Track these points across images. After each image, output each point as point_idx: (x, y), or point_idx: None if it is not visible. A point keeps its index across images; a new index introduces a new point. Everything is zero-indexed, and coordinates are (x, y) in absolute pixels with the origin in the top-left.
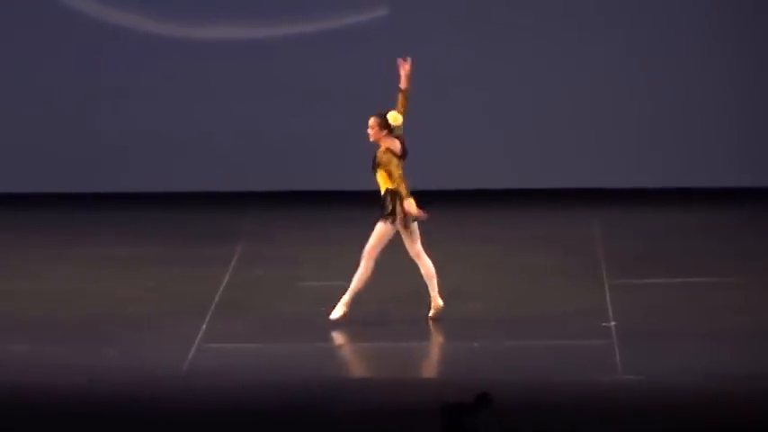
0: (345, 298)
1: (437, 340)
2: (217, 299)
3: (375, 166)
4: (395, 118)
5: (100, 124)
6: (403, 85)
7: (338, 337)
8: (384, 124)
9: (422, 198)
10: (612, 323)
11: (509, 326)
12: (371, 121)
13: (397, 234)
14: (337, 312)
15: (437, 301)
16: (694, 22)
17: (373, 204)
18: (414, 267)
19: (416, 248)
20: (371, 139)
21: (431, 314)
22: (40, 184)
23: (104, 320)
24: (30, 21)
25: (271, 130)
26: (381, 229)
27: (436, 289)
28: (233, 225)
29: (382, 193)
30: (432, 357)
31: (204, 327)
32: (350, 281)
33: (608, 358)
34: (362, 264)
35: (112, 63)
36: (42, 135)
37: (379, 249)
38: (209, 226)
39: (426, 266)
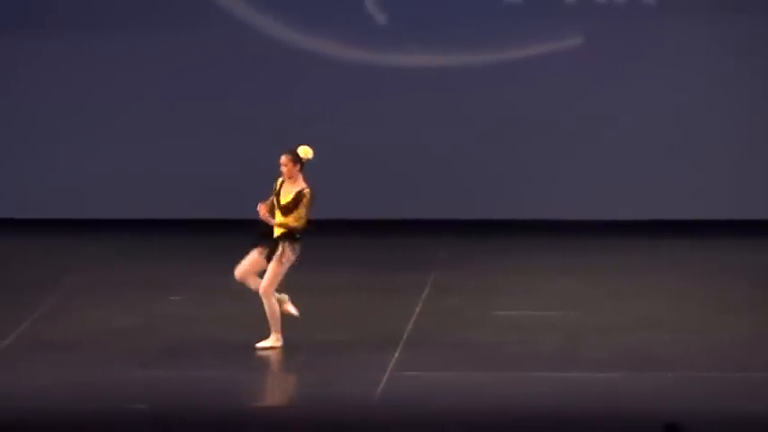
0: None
1: (627, 371)
2: (410, 326)
3: (295, 202)
4: (305, 152)
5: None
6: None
7: (529, 367)
8: (297, 159)
9: (617, 228)
10: None
11: (697, 356)
12: (284, 158)
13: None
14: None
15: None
16: None
17: (561, 233)
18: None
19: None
20: (287, 176)
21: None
22: (235, 210)
23: (299, 347)
24: (227, 52)
25: (465, 158)
26: (280, 267)
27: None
28: (427, 253)
29: (283, 230)
30: (621, 388)
31: (397, 354)
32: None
33: None
34: (265, 302)
35: (310, 90)
36: (238, 163)
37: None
38: (404, 254)
39: (271, 305)
